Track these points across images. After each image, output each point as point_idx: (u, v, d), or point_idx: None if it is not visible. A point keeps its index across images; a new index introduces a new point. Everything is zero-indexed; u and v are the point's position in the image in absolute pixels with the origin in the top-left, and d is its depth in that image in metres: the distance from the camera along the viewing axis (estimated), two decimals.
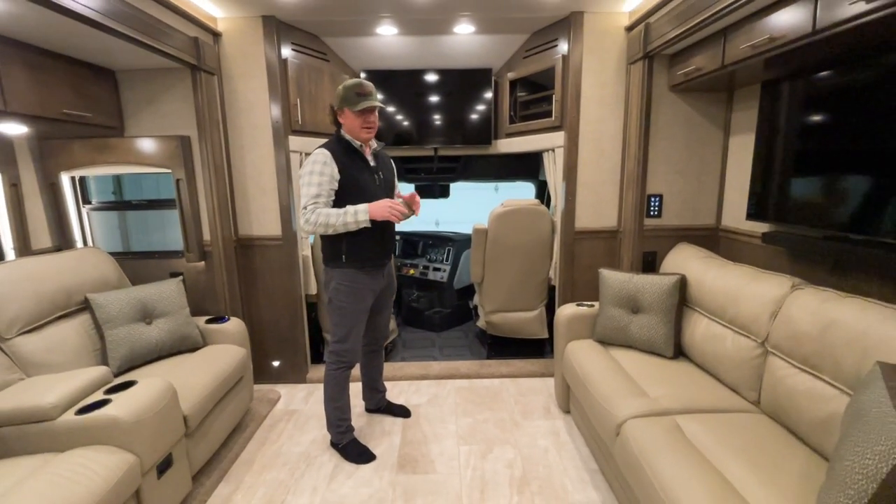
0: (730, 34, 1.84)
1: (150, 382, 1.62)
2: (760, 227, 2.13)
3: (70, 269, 2.03)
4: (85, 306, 2.02)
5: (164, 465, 1.61)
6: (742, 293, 1.82)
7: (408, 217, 1.94)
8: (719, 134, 2.50)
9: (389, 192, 2.04)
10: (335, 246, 1.94)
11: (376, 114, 1.92)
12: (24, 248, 2.18)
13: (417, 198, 1.94)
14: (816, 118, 1.76)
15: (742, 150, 2.34)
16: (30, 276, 1.85)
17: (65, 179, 2.40)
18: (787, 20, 1.54)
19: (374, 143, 2.01)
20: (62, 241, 2.38)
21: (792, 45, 1.53)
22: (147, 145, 2.35)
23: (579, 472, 1.97)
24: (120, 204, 2.75)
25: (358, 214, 1.80)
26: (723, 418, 1.59)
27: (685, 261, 2.28)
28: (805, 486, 1.23)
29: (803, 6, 1.46)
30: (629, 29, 2.47)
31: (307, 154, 2.67)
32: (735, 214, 2.42)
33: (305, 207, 1.81)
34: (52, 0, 1.44)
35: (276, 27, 2.48)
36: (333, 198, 1.86)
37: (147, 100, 2.42)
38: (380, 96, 3.03)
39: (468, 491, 1.86)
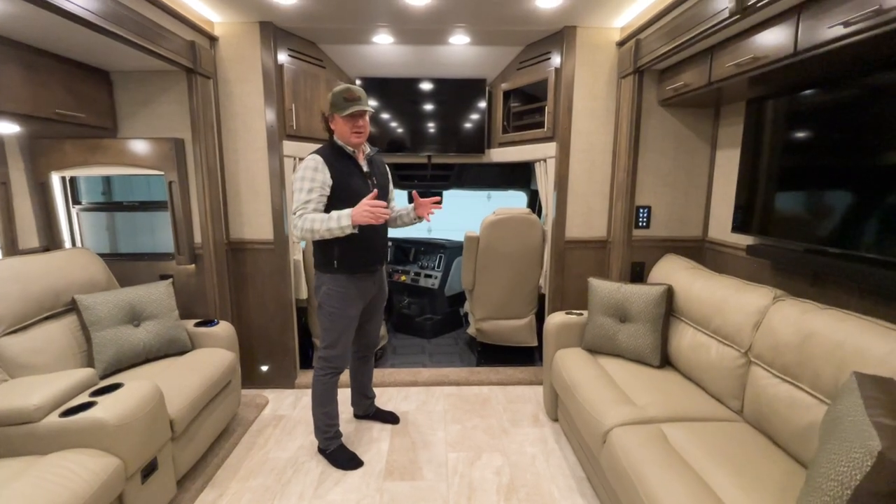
0: (716, 52, 1.90)
1: (136, 385, 1.61)
2: (745, 240, 2.18)
3: (58, 269, 2.01)
4: (72, 307, 2.00)
5: (149, 470, 1.59)
6: (727, 304, 1.86)
7: (412, 222, 2.06)
8: (706, 148, 2.56)
9: (383, 198, 2.05)
10: (327, 251, 1.94)
11: (366, 118, 1.92)
12: (11, 247, 2.16)
13: (421, 200, 2.01)
14: (799, 135, 1.82)
15: (728, 165, 2.40)
16: (17, 276, 1.83)
17: (55, 179, 2.38)
18: (770, 41, 1.59)
19: (367, 148, 2.03)
20: (50, 241, 2.36)
21: (775, 65, 1.59)
22: (140, 147, 2.34)
23: (566, 479, 1.98)
24: (110, 205, 2.73)
25: (341, 220, 1.74)
26: (707, 427, 1.62)
27: (672, 271, 2.32)
28: (785, 494, 1.25)
29: (785, 28, 1.52)
30: (620, 44, 2.53)
31: (301, 159, 2.68)
32: (721, 227, 2.47)
33: (295, 213, 1.82)
34: (49, 1, 1.45)
35: (273, 33, 2.50)
36: (324, 203, 1.86)
37: (141, 101, 2.42)
38: (374, 103, 3.06)
39: (456, 498, 1.86)
